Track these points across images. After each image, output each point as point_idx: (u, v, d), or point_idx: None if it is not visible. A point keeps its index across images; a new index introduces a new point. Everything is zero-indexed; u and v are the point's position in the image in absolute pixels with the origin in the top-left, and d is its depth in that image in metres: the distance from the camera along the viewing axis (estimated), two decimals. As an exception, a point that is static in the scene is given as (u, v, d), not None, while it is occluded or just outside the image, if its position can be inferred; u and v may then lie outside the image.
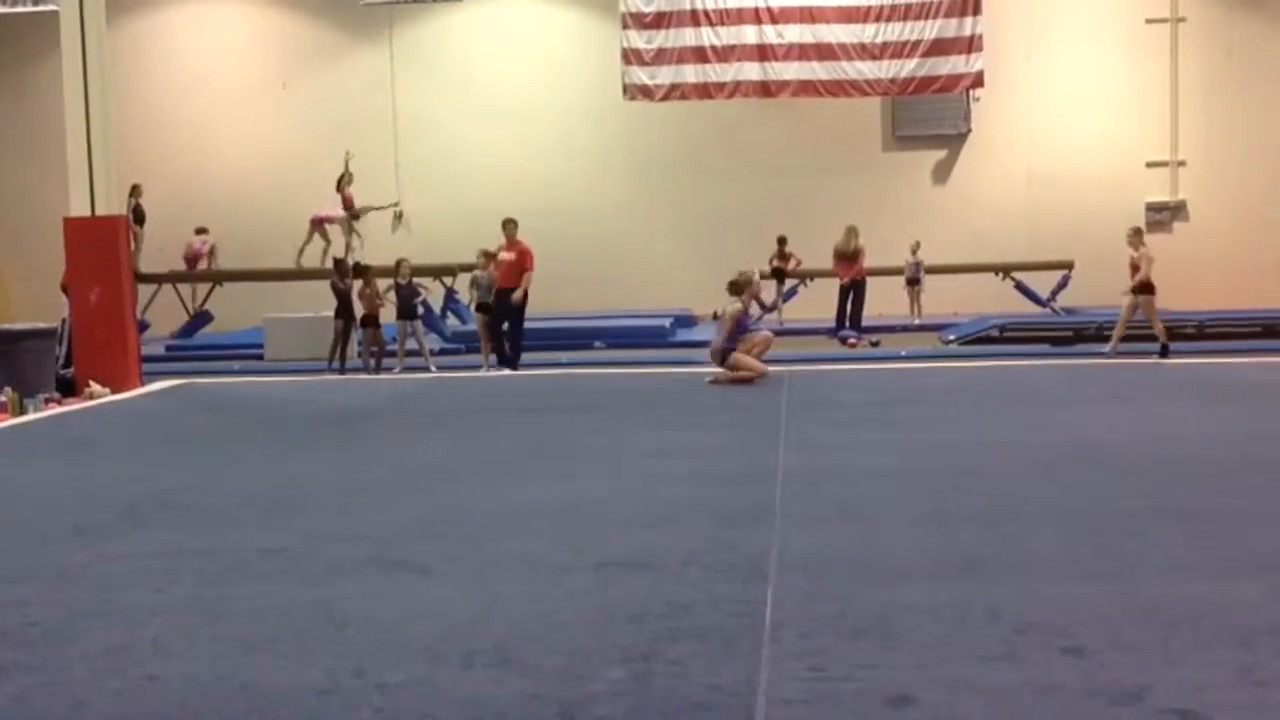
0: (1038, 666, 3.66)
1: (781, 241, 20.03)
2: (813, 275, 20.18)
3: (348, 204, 20.15)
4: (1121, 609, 4.21)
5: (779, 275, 20.11)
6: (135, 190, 19.26)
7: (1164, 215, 22.47)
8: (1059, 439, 7.90)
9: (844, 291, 18.51)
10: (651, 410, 10.08)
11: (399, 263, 15.95)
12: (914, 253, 19.70)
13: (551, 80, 22.80)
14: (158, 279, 19.82)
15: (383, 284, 15.95)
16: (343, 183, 20.12)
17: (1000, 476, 6.72)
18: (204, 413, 10.92)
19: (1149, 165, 22.43)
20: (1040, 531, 5.37)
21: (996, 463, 7.14)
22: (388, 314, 15.86)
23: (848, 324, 18.43)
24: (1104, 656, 3.73)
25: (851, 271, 18.37)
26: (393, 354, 15.82)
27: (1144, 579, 4.60)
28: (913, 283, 19.81)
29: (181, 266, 20.38)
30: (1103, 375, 11.91)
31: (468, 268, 16.97)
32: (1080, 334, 17.51)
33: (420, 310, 16.13)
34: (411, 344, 15.75)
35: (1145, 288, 14.99)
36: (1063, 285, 20.05)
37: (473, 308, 16.02)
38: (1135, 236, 15.37)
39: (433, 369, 15.28)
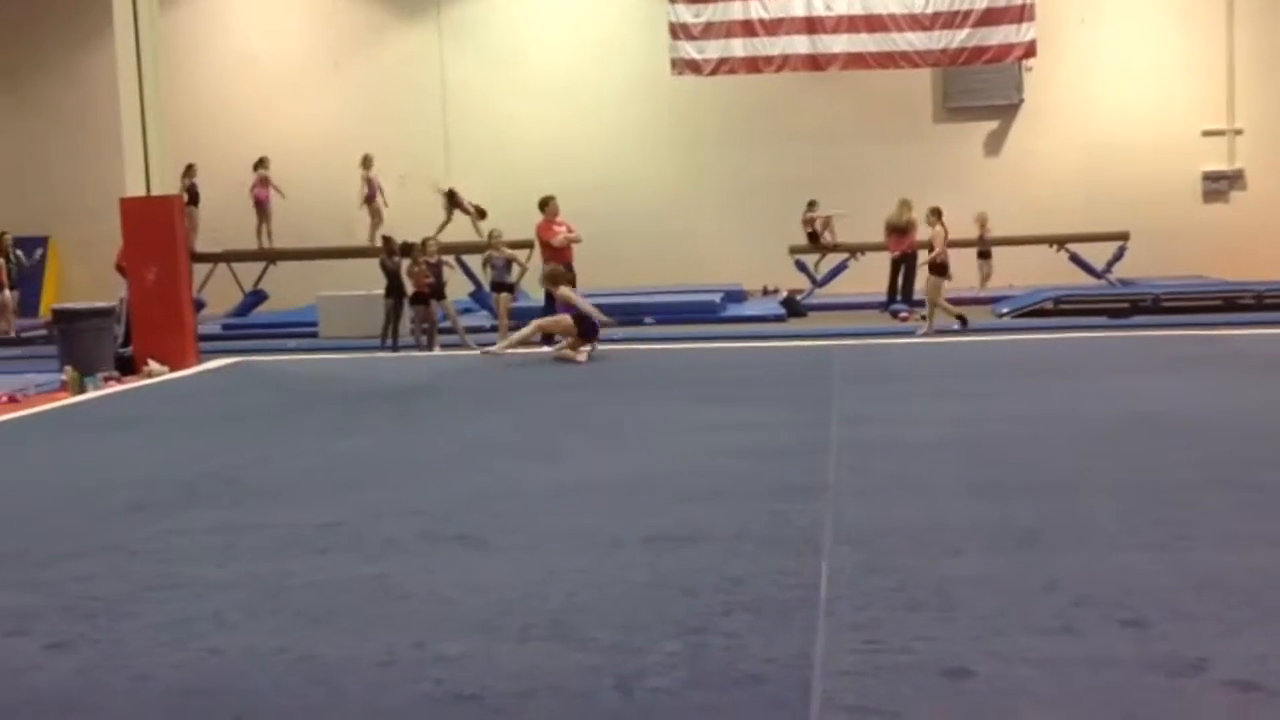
0: (1095, 638, 3.64)
1: (810, 205, 19.96)
2: (863, 249, 20.05)
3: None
4: (1179, 580, 4.17)
5: (813, 239, 20.02)
6: (189, 171, 19.44)
7: (1221, 184, 22.15)
8: (1115, 410, 7.82)
9: (895, 265, 18.39)
10: (702, 385, 10.06)
11: (425, 242, 15.99)
12: (983, 225, 19.52)
13: (599, 56, 22.76)
14: (213, 258, 20.00)
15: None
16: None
17: (1055, 448, 6.66)
18: (260, 390, 11.03)
19: (1205, 134, 22.09)
20: (1097, 503, 5.33)
21: (1051, 434, 7.07)
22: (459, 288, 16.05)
23: (899, 297, 18.31)
24: (1162, 628, 3.70)
25: (903, 244, 18.24)
26: (445, 331, 15.90)
27: (1202, 550, 4.55)
28: (984, 255, 19.64)
29: (233, 243, 20.51)
30: (1159, 347, 11.76)
31: (518, 244, 17.00)
32: (1137, 305, 17.31)
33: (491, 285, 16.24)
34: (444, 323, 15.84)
35: (938, 268, 15.42)
36: (1118, 256, 19.81)
37: (488, 287, 16.05)
38: (933, 216, 15.75)
39: (472, 345, 15.33)
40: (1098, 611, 3.86)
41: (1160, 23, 22.09)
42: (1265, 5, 21.77)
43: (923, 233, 17.28)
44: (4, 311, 18.72)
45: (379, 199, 20.26)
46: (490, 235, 16.06)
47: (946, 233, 15.87)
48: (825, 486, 5.81)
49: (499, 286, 15.88)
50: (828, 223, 20.05)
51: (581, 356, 11.81)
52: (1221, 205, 22.10)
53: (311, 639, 3.88)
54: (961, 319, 15.40)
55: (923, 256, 16.85)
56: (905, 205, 18.39)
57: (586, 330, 12.06)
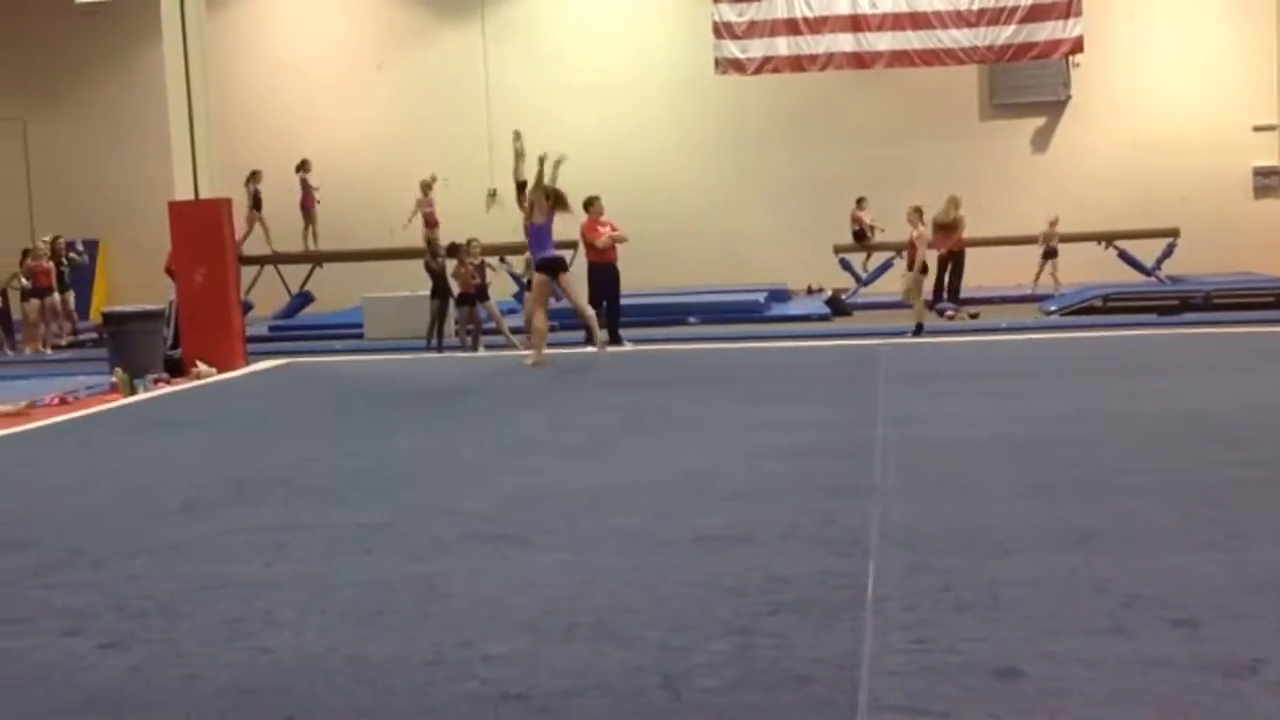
0: (1148, 639, 3.60)
1: (859, 202, 19.91)
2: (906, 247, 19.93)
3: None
4: (1233, 580, 4.12)
5: (859, 237, 19.96)
6: (254, 176, 19.61)
7: (1272, 180, 21.89)
8: (1167, 409, 7.74)
9: (943, 263, 18.29)
10: (747, 384, 10.04)
11: (469, 243, 16.04)
12: (1052, 225, 19.37)
13: (643, 56, 22.78)
14: (260, 260, 20.17)
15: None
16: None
17: (1105, 447, 6.60)
18: (307, 391, 11.11)
19: (1256, 129, 21.84)
20: (1148, 502, 5.27)
21: (1101, 433, 7.00)
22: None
23: (945, 296, 18.20)
24: (1216, 628, 3.65)
25: (950, 242, 18.13)
26: (489, 333, 15.95)
27: (1256, 549, 4.49)
28: (1050, 255, 19.48)
29: (280, 245, 20.67)
30: (1211, 345, 11.63)
31: (561, 245, 17.00)
32: (1187, 303, 17.13)
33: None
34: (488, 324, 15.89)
35: (919, 266, 15.46)
36: (1168, 253, 19.61)
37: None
38: (914, 215, 15.69)
39: (519, 345, 15.37)
40: (1150, 612, 3.82)
41: (1209, 17, 21.85)
42: (1317, -3, 21.50)
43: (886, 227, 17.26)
44: (55, 315, 18.95)
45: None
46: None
47: (927, 232, 15.75)
48: (872, 486, 5.79)
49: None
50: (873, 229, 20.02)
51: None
52: (1272, 201, 21.83)
53: (360, 638, 3.91)
54: (919, 326, 15.27)
55: (921, 258, 16.58)
56: (953, 203, 18.29)
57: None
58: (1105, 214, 20.25)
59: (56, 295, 18.74)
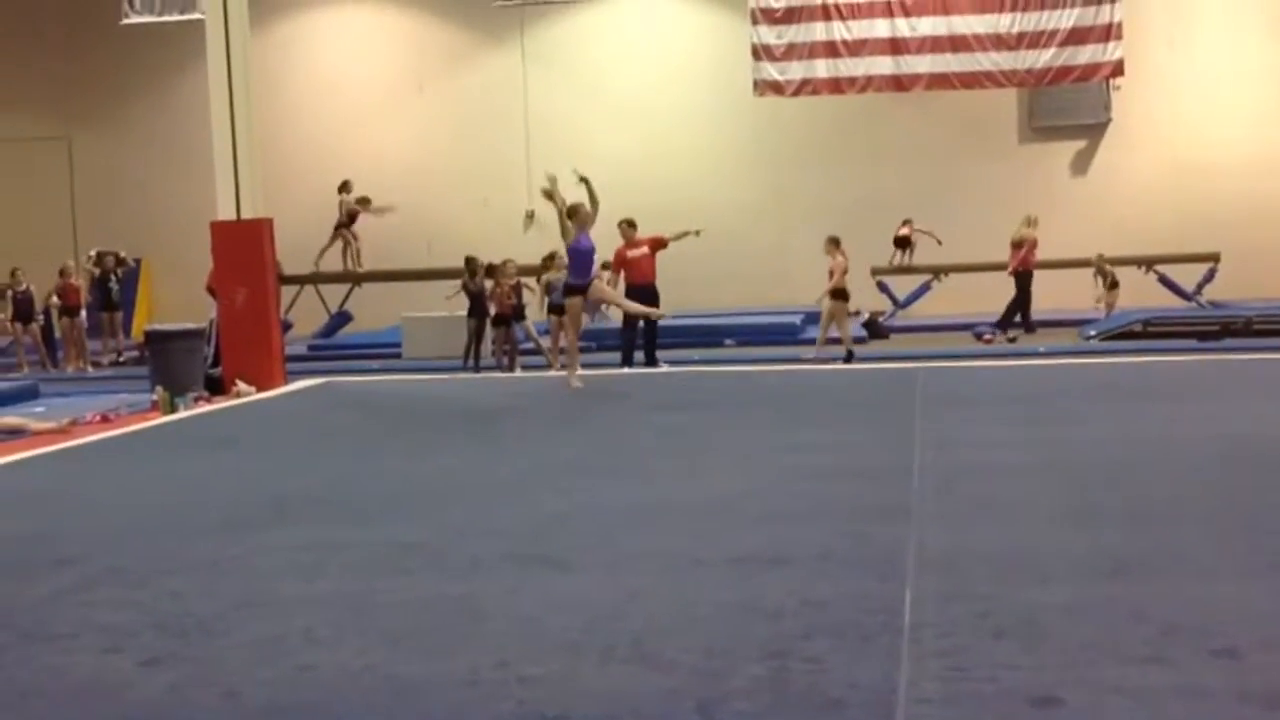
0: (1187, 669, 3.57)
1: (905, 223, 19.92)
2: (946, 269, 19.90)
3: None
4: (1274, 609, 4.09)
5: (902, 244, 19.92)
6: (344, 187, 19.85)
7: (1315, 204, 21.65)
8: (1208, 435, 7.68)
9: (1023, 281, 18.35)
10: (784, 407, 10.03)
11: (505, 263, 16.12)
12: (1101, 266, 19.27)
13: (681, 78, 22.84)
14: (300, 280, 20.32)
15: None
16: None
17: (1146, 473, 6.55)
18: (346, 410, 11.18)
19: (1299, 153, 21.63)
20: (1188, 529, 5.23)
21: (1141, 459, 6.96)
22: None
23: (1006, 317, 18.16)
24: (1257, 658, 3.62)
25: (1016, 262, 18.17)
26: (529, 352, 16.03)
27: (1299, 580, 4.45)
28: (1113, 285, 19.33)
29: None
30: (1253, 371, 11.53)
31: (603, 266, 17.06)
32: (1228, 328, 16.97)
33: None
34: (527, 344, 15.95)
35: (837, 294, 15.37)
36: (1209, 278, 19.45)
37: (545, 310, 16.06)
38: (831, 246, 15.61)
39: (558, 365, 15.41)
40: (1190, 641, 3.79)
41: (1251, 40, 21.70)
42: (1362, 20, 21.32)
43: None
44: (82, 333, 19.05)
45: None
46: (552, 258, 16.11)
47: (846, 261, 15.68)
48: (909, 510, 5.77)
49: (556, 309, 15.86)
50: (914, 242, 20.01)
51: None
52: (1315, 225, 21.60)
53: (398, 657, 3.93)
54: (850, 353, 15.33)
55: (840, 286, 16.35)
56: (1028, 221, 18.35)
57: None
58: (1146, 238, 20.10)
59: (83, 314, 18.87)
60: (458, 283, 17.68)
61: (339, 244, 20.50)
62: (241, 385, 12.36)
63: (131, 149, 24.14)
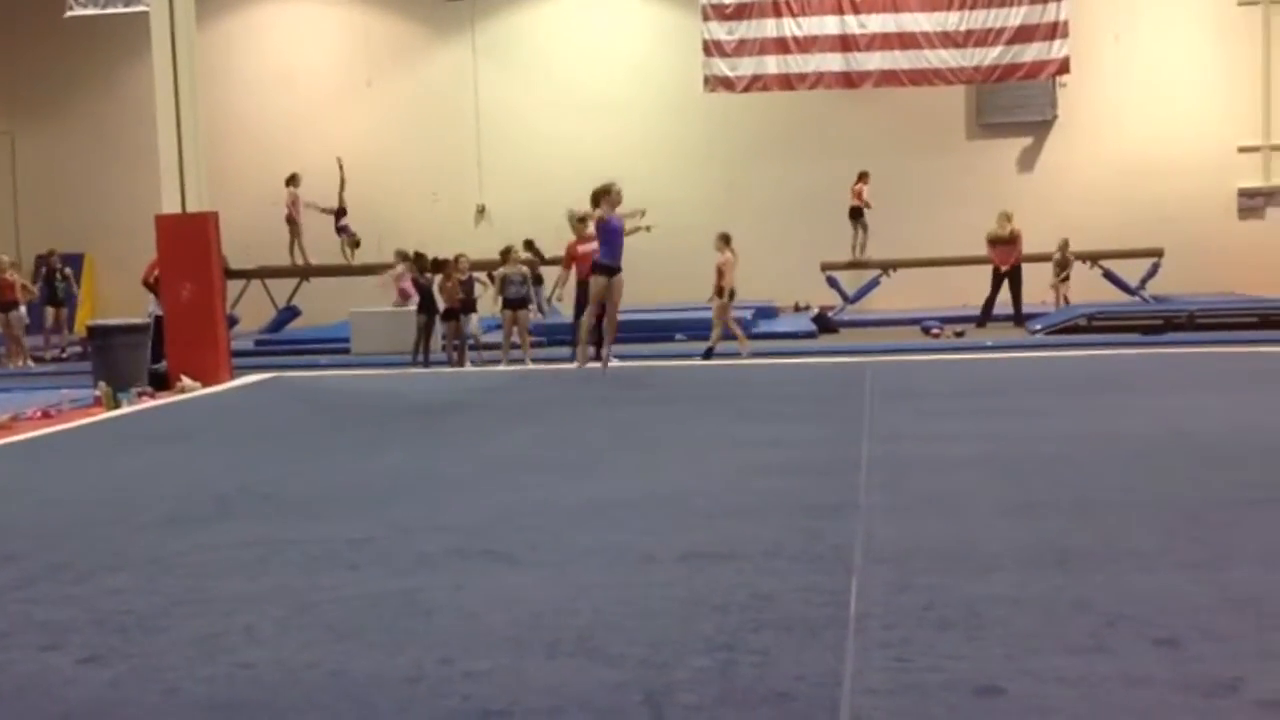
0: (1129, 658, 3.60)
1: (861, 176, 19.94)
2: (895, 265, 20.03)
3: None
4: (1216, 600, 4.12)
5: (856, 214, 20.02)
6: (292, 180, 19.78)
7: (1257, 201, 22.00)
8: (1152, 428, 7.77)
9: (1000, 278, 18.53)
10: (733, 402, 10.05)
11: (457, 258, 16.07)
12: (1064, 250, 19.45)
13: (632, 73, 22.84)
14: (246, 274, 20.15)
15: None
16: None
17: (1091, 466, 6.61)
18: (293, 406, 11.09)
19: (1241, 150, 21.96)
20: (1132, 521, 5.28)
21: (1087, 452, 7.02)
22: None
23: (1014, 311, 18.42)
24: (1197, 648, 3.66)
25: (1011, 258, 18.51)
26: (480, 348, 16.00)
27: (1239, 570, 4.50)
28: (1064, 280, 19.55)
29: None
30: (1195, 364, 11.68)
31: (550, 262, 17.06)
32: (1171, 322, 17.19)
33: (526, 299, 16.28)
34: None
35: (725, 291, 15.42)
36: (1152, 273, 19.70)
37: (499, 306, 16.01)
38: (721, 242, 15.68)
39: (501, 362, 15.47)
40: (1131, 631, 3.82)
41: (1195, 38, 21.98)
42: (1302, 21, 21.64)
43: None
44: (50, 327, 18.84)
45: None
46: (508, 252, 16.06)
47: (736, 258, 15.76)
48: (857, 504, 5.79)
49: (517, 304, 15.82)
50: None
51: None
52: (1257, 222, 21.95)
53: (341, 654, 3.89)
54: (710, 349, 15.42)
55: (729, 284, 16.41)
56: (1006, 217, 18.53)
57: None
58: (1090, 234, 20.33)
59: (22, 309, 18.60)
60: (391, 273, 17.66)
61: (286, 238, 20.38)
62: (186, 380, 12.24)
63: (76, 143, 23.85)
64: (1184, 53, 21.95)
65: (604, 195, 12.21)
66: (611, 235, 12.16)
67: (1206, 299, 19.19)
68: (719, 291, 15.49)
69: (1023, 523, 5.32)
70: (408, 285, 18.36)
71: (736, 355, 14.91)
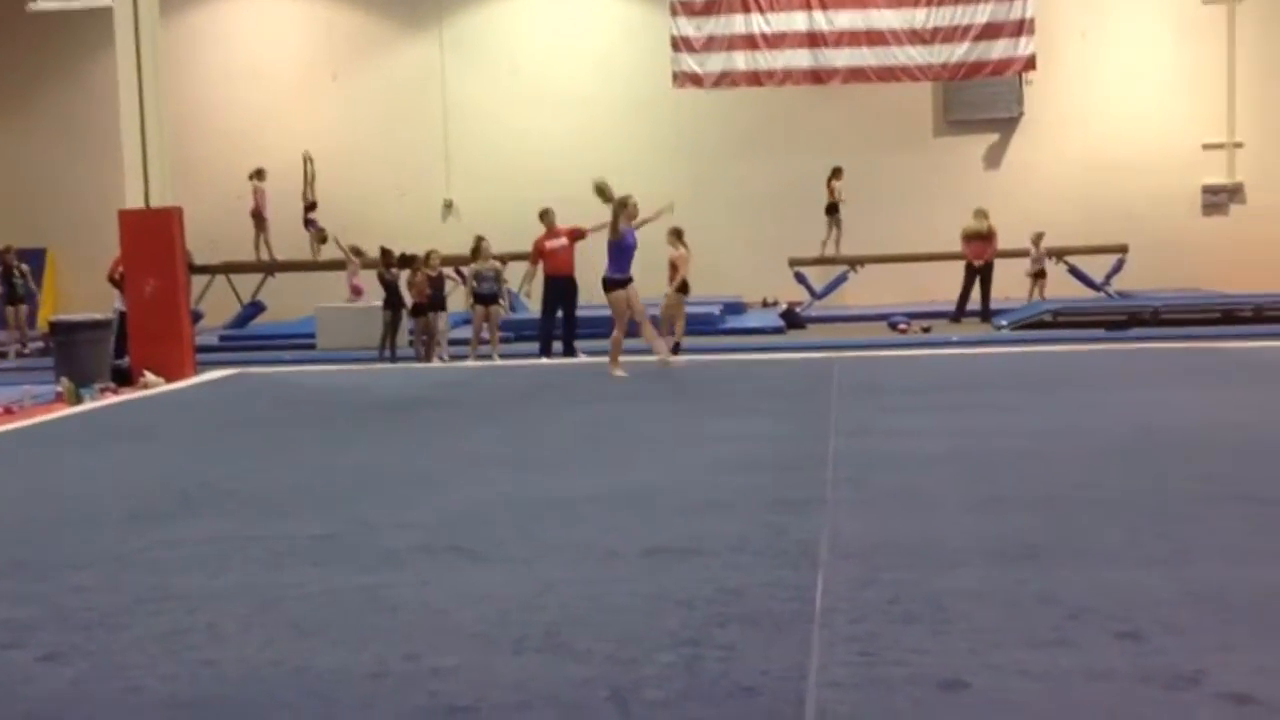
0: (1092, 651, 3.62)
1: (835, 172, 19.96)
2: (862, 261, 20.09)
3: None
4: (1178, 594, 4.15)
5: (832, 210, 20.07)
6: (257, 174, 19.67)
7: (1221, 198, 22.18)
8: (1115, 423, 7.81)
9: (973, 274, 18.68)
10: (701, 397, 10.06)
11: (429, 254, 16.03)
12: (1037, 244, 19.57)
13: (601, 68, 22.81)
14: (211, 270, 20.02)
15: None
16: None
17: (1056, 461, 6.65)
18: (257, 401, 11.02)
19: (1205, 147, 22.13)
20: (1097, 516, 5.31)
21: (1052, 448, 7.06)
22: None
23: (982, 307, 18.66)
24: (1159, 641, 3.68)
25: (986, 253, 18.64)
26: (459, 343, 16.01)
27: (1202, 564, 4.53)
28: (1040, 275, 19.67)
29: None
30: (1160, 360, 11.76)
31: (517, 257, 17.02)
32: (1136, 318, 17.32)
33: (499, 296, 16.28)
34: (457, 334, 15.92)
35: (681, 287, 15.47)
36: (1117, 269, 19.84)
37: (470, 301, 16.00)
38: (673, 237, 15.71)
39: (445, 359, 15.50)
40: (1095, 624, 3.85)
41: (1161, 36, 22.14)
42: (1266, 19, 21.82)
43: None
44: (10, 324, 18.70)
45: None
46: (480, 243, 16.03)
47: (689, 253, 15.84)
48: (823, 499, 5.80)
49: (488, 299, 15.81)
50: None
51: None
52: (1221, 218, 22.13)
53: (305, 651, 3.87)
54: (677, 345, 15.46)
55: (682, 277, 16.42)
56: (983, 213, 18.67)
57: None
58: (1056, 230, 20.43)
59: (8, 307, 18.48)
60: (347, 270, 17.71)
61: (252, 233, 20.27)
62: (149, 376, 12.16)
63: (39, 138, 23.64)
64: (1149, 50, 22.11)
65: (621, 209, 11.98)
66: (627, 251, 12.01)
67: (1171, 295, 19.35)
68: (678, 287, 15.54)
69: (988, 518, 5.34)
70: (358, 281, 18.35)
71: (690, 354, 14.86)
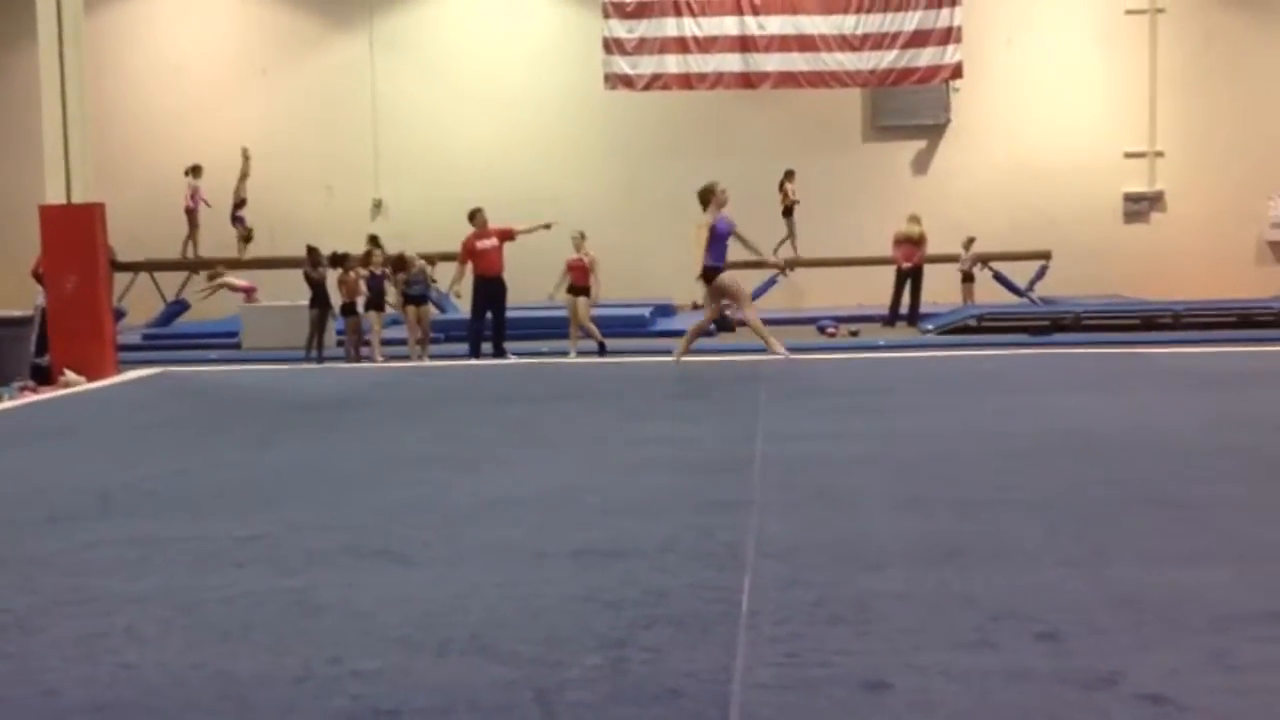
0: (1012, 652, 3.67)
1: (788, 175, 20.16)
2: (792, 265, 20.20)
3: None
4: (1096, 596, 4.22)
5: (788, 213, 20.25)
6: (194, 171, 19.45)
7: (1142, 205, 22.60)
8: (1037, 427, 7.92)
9: (903, 278, 18.84)
10: (629, 399, 10.07)
11: (369, 253, 15.96)
12: (967, 248, 19.79)
13: (532, 69, 22.78)
14: (134, 267, 19.72)
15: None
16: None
17: (979, 464, 6.73)
18: (180, 401, 10.87)
19: (1127, 155, 22.55)
20: (1017, 519, 5.38)
21: (975, 451, 7.14)
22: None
23: (908, 310, 18.79)
24: (1077, 643, 3.74)
25: (915, 257, 18.80)
26: (395, 343, 15.92)
27: (1119, 566, 4.61)
28: (969, 279, 19.91)
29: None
30: (1081, 365, 11.94)
31: (447, 256, 16.94)
32: (1058, 323, 17.59)
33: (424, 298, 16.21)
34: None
35: (583, 289, 15.93)
36: (1040, 275, 20.14)
37: (401, 302, 15.98)
38: (580, 239, 16.21)
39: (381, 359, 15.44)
40: (1015, 626, 3.90)
41: (1085, 46, 22.52)
42: (1187, 29, 22.27)
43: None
44: None
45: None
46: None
47: (597, 257, 16.11)
48: (750, 501, 5.83)
49: (418, 300, 15.75)
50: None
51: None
52: (1142, 226, 22.55)
53: (226, 654, 3.82)
54: (602, 345, 15.79)
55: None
56: (915, 219, 18.87)
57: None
58: (981, 236, 20.73)
59: None
60: (213, 284, 17.65)
61: (176, 230, 20.01)
62: (70, 375, 11.95)
63: (-44, 129, 23.13)
64: (1073, 59, 22.48)
65: (711, 195, 11.90)
66: (722, 239, 11.89)
67: (1092, 301, 19.67)
68: (581, 290, 15.70)
69: (912, 519, 5.39)
70: (240, 283, 18.28)
71: (644, 353, 14.95)
